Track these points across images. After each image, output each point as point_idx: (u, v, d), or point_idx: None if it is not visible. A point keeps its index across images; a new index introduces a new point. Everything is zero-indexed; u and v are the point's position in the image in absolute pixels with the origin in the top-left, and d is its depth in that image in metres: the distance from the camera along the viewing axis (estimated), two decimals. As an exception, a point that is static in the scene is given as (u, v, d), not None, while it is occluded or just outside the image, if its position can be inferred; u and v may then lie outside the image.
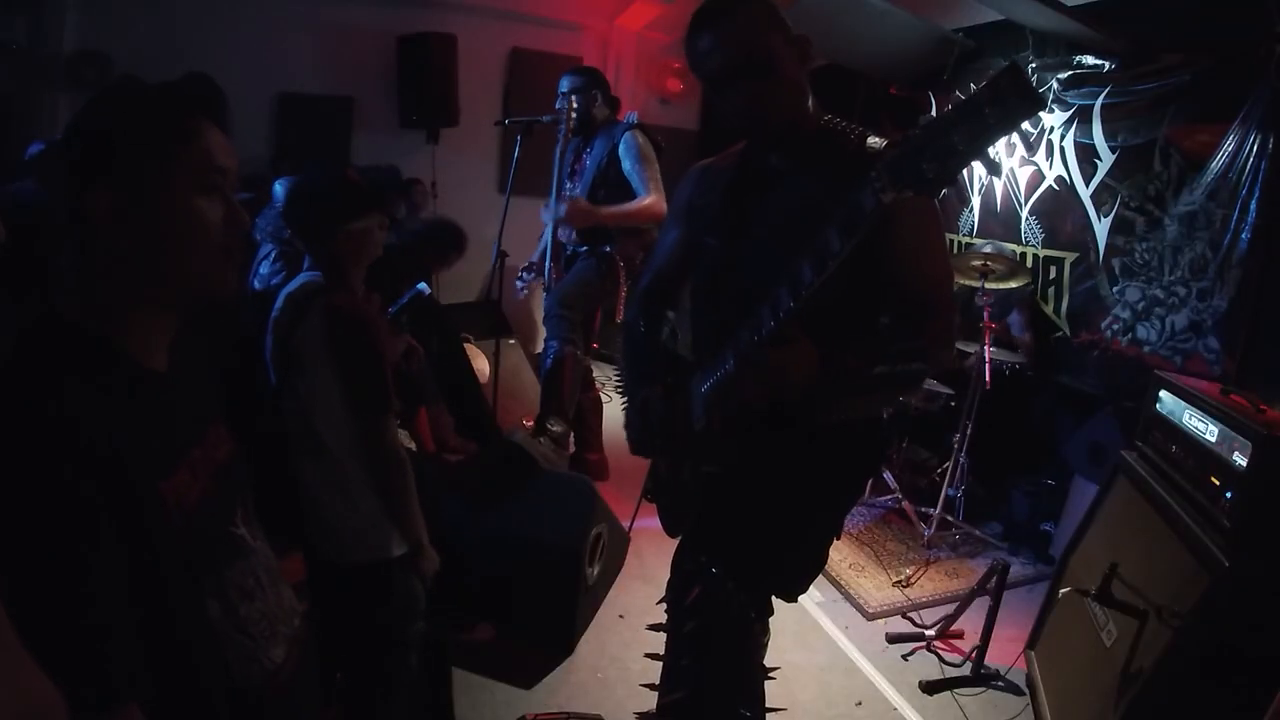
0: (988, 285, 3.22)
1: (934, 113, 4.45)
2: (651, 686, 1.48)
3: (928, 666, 2.47)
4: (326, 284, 1.50)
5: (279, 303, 1.55)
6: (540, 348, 3.36)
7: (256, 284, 2.74)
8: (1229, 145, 2.79)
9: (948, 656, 2.52)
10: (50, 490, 0.65)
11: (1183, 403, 2.01)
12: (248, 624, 0.85)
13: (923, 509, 3.40)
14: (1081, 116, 3.42)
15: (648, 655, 1.54)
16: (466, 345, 3.77)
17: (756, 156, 1.39)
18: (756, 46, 1.23)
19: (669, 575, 1.47)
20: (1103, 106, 3.31)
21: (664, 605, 1.49)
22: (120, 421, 0.71)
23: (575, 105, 3.09)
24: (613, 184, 3.12)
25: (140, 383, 0.77)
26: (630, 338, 1.65)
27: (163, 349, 0.82)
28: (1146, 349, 3.15)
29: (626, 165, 3.06)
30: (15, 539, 0.64)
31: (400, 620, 1.56)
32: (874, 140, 1.26)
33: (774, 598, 1.44)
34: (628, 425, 1.58)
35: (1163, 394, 2.12)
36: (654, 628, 1.50)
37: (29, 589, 0.63)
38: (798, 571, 1.44)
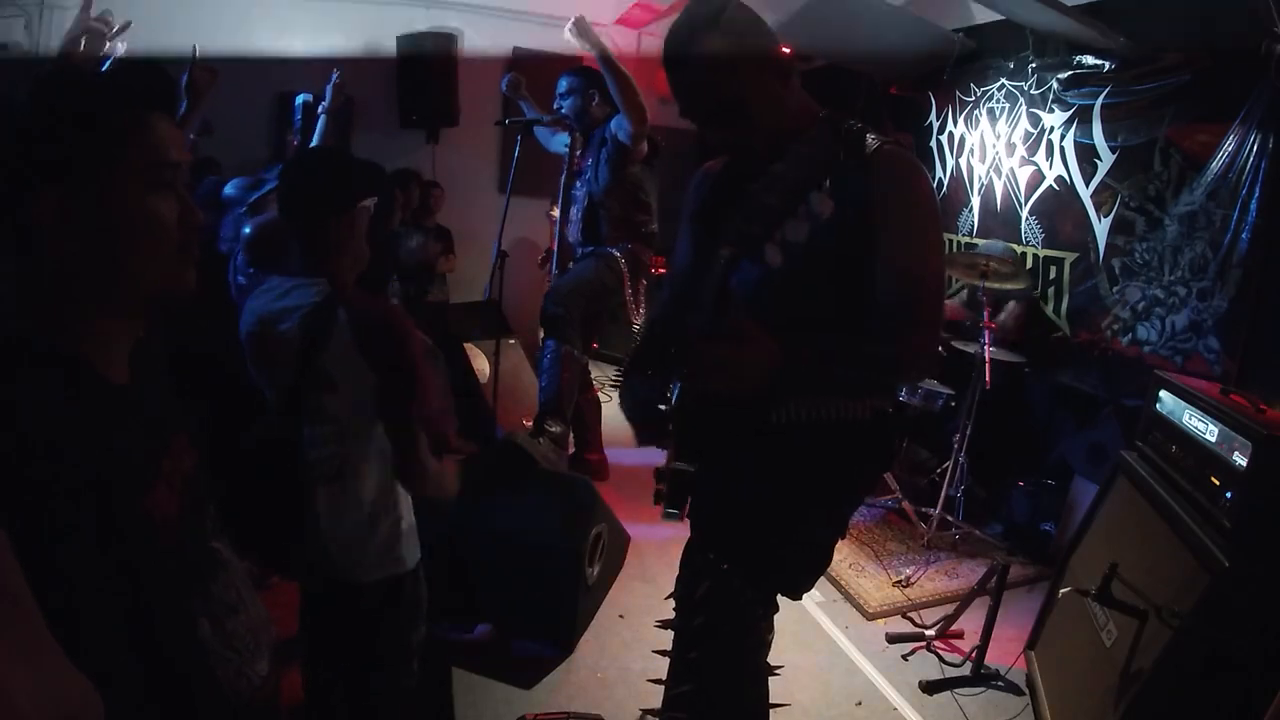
0: (988, 285, 3.22)
1: (934, 113, 4.46)
2: (658, 682, 1.48)
3: (928, 666, 2.47)
4: (333, 287, 1.40)
5: (279, 305, 1.43)
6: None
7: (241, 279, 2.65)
8: (1229, 145, 2.79)
9: (948, 656, 2.52)
10: (34, 528, 0.60)
11: (1183, 403, 2.01)
12: (234, 639, 0.83)
13: (923, 509, 3.40)
14: (1081, 116, 3.42)
15: (655, 652, 1.55)
16: (466, 345, 3.78)
17: (753, 166, 1.38)
18: (719, 90, 1.23)
19: (678, 571, 1.47)
20: (1103, 106, 3.31)
21: (668, 602, 1.49)
22: (96, 445, 0.68)
23: (573, 130, 3.19)
24: (600, 180, 3.13)
25: (109, 399, 0.74)
26: (647, 328, 1.68)
27: (124, 359, 0.78)
28: (1147, 349, 3.14)
29: (620, 135, 3.03)
30: None
31: (407, 628, 1.55)
32: (871, 138, 1.24)
33: (779, 594, 1.44)
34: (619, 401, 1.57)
35: (1163, 394, 2.12)
36: (662, 624, 1.51)
37: None
38: (803, 568, 1.44)
